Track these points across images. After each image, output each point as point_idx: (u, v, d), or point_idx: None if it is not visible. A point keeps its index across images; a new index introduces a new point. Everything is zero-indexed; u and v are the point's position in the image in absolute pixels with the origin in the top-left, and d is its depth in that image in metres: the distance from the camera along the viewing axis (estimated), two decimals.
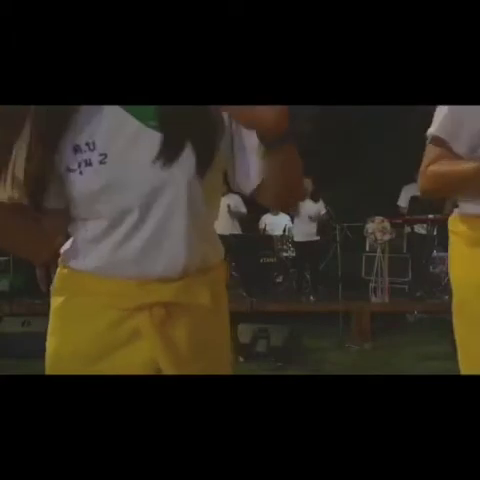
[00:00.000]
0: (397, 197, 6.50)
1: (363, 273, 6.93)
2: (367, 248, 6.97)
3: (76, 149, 0.88)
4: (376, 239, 5.92)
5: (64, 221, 0.95)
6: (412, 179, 6.41)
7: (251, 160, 0.92)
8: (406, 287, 6.63)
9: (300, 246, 6.68)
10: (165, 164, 0.87)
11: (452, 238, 1.25)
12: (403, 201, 6.38)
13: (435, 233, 6.26)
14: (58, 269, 0.99)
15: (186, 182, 0.88)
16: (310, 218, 6.42)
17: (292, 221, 6.96)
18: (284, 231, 7.12)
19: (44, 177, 0.88)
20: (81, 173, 0.87)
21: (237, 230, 6.76)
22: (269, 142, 0.83)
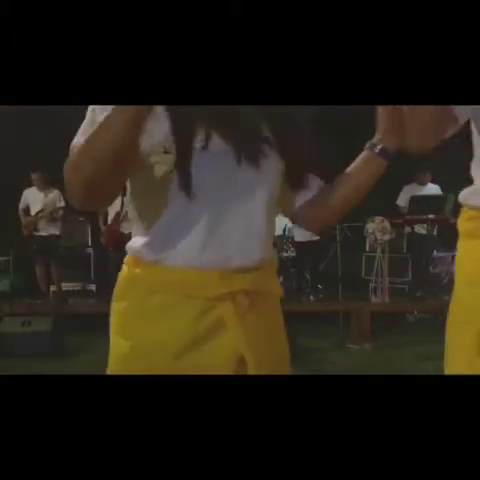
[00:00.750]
0: (397, 197, 6.50)
1: (363, 273, 6.93)
2: (367, 248, 6.97)
3: (166, 150, 0.91)
4: (376, 239, 5.92)
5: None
6: (412, 179, 6.42)
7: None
8: (406, 287, 6.63)
9: (300, 246, 6.68)
10: (253, 165, 0.93)
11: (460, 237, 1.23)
12: (403, 201, 6.38)
13: (435, 233, 6.26)
14: (129, 264, 1.00)
15: (272, 184, 0.97)
16: None
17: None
18: (284, 231, 7.12)
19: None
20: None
21: None
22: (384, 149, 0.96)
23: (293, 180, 1.02)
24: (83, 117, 0.95)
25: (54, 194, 5.99)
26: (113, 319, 1.01)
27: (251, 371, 0.93)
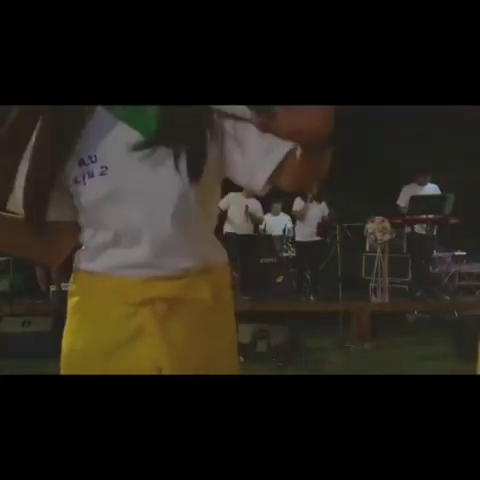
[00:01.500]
0: (397, 197, 6.50)
1: (363, 273, 6.93)
2: (367, 248, 6.98)
3: (81, 162, 0.93)
4: (376, 239, 5.93)
5: (68, 232, 1.01)
6: (412, 179, 6.42)
7: (253, 158, 0.95)
8: (406, 287, 6.63)
9: (300, 246, 6.69)
10: (161, 172, 0.92)
11: None
12: (403, 201, 6.37)
13: (435, 233, 6.26)
14: (73, 272, 1.04)
15: (181, 189, 0.93)
16: (316, 219, 6.45)
17: (293, 221, 6.97)
18: (284, 231, 7.12)
19: (45, 190, 0.93)
20: (85, 184, 0.93)
21: (250, 231, 6.78)
22: (313, 148, 0.82)
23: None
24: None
25: None
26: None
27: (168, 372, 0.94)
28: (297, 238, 6.76)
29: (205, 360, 0.98)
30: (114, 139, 0.93)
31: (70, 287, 1.05)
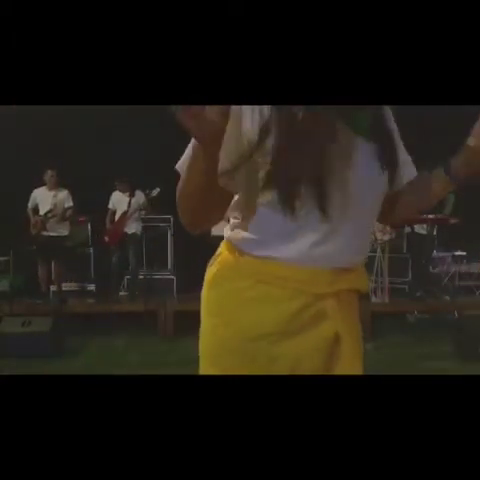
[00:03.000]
0: None
1: None
2: None
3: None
4: (376, 239, 5.92)
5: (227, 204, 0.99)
6: None
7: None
8: (406, 287, 6.62)
9: None
10: (373, 172, 0.97)
11: None
12: None
13: (435, 233, 6.26)
14: (226, 254, 1.04)
15: (381, 188, 1.00)
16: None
17: None
18: None
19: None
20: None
21: None
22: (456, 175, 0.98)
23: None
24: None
25: (63, 194, 6.00)
26: (210, 301, 1.04)
27: (346, 350, 0.98)
28: None
29: (360, 351, 1.03)
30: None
31: (224, 265, 1.03)
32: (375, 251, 6.17)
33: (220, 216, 1.00)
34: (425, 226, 6.09)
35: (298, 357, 0.96)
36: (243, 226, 1.01)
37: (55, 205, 5.95)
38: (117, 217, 6.19)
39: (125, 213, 6.08)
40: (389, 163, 1.00)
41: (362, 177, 0.96)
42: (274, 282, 0.99)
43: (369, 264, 6.47)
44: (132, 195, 6.16)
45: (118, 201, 6.24)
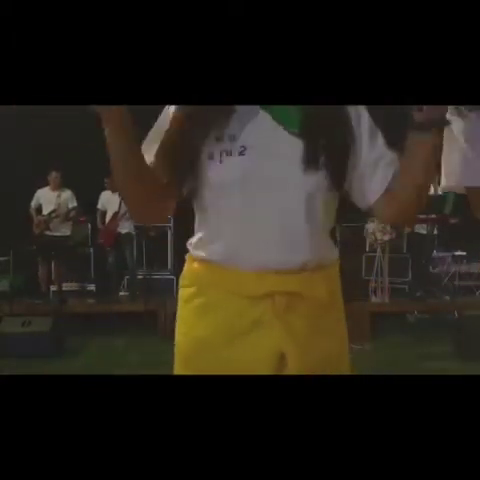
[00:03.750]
0: None
1: (363, 273, 6.92)
2: (367, 248, 6.97)
3: (218, 138, 0.92)
4: (376, 239, 5.92)
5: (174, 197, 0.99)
6: None
7: (370, 173, 0.98)
8: (406, 287, 6.62)
9: None
10: (304, 169, 0.92)
11: None
12: None
13: (435, 233, 6.25)
14: (187, 260, 1.04)
15: (319, 190, 0.94)
16: None
17: None
18: None
19: (185, 162, 0.93)
20: (221, 162, 0.92)
21: None
22: (424, 120, 0.88)
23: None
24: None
25: (67, 194, 6.00)
26: (178, 309, 1.06)
27: (292, 366, 0.94)
28: None
29: (321, 358, 0.98)
30: (256, 125, 0.92)
31: (184, 276, 1.03)
32: (375, 251, 6.17)
33: (167, 206, 1.01)
34: (425, 226, 6.09)
35: (244, 367, 0.94)
36: (197, 228, 1.02)
37: (59, 205, 5.96)
38: (108, 217, 6.16)
39: (116, 213, 6.05)
40: (324, 164, 0.93)
41: (283, 175, 0.92)
42: (214, 286, 0.98)
43: (369, 264, 6.47)
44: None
45: (108, 201, 6.20)
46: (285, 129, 0.92)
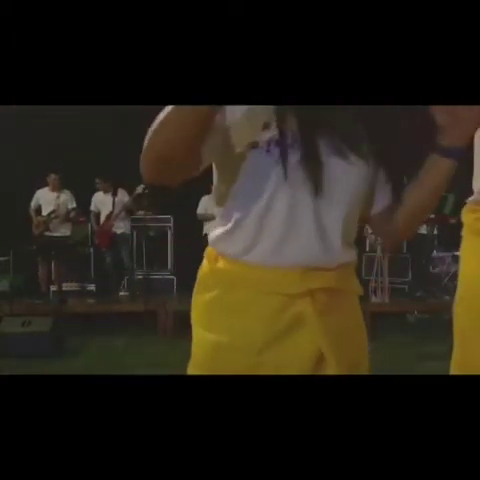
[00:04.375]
0: None
1: (363, 273, 6.93)
2: (367, 248, 6.97)
3: (266, 126, 0.89)
4: (376, 239, 5.92)
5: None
6: None
7: (380, 185, 1.00)
8: (406, 287, 6.63)
9: None
10: (351, 163, 0.92)
11: (464, 230, 1.25)
12: None
13: (435, 233, 6.26)
14: (209, 260, 1.00)
15: (364, 185, 0.95)
16: None
17: None
18: None
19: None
20: (268, 151, 0.89)
21: None
22: (451, 148, 0.89)
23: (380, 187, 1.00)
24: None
25: (66, 195, 6.01)
26: (196, 312, 1.02)
27: (330, 368, 0.94)
28: None
29: (359, 356, 0.99)
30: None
31: (205, 274, 1.00)
32: (375, 251, 6.18)
33: (189, 171, 0.91)
34: (425, 226, 6.10)
35: (279, 367, 0.93)
36: (222, 226, 0.98)
37: (58, 206, 5.97)
38: (102, 219, 6.15)
39: (110, 214, 6.04)
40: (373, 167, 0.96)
41: (329, 173, 0.91)
42: (245, 286, 0.95)
43: (369, 264, 6.48)
44: (115, 194, 6.11)
45: (100, 202, 6.19)
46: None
